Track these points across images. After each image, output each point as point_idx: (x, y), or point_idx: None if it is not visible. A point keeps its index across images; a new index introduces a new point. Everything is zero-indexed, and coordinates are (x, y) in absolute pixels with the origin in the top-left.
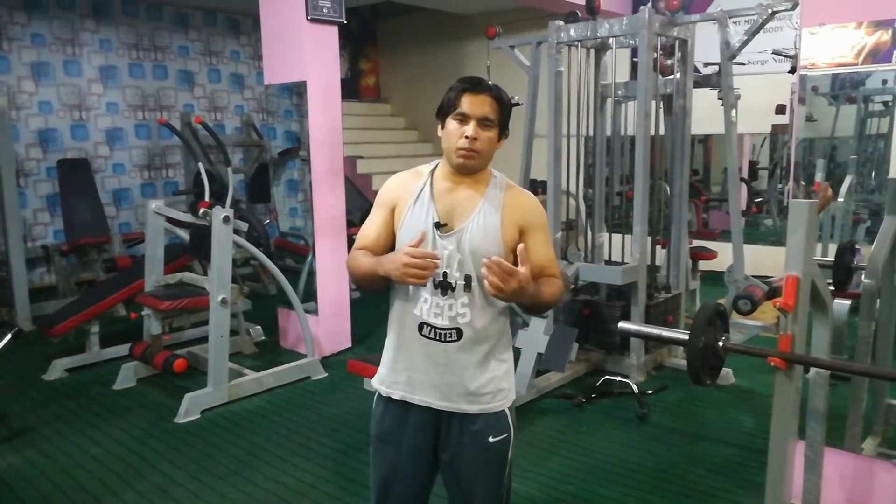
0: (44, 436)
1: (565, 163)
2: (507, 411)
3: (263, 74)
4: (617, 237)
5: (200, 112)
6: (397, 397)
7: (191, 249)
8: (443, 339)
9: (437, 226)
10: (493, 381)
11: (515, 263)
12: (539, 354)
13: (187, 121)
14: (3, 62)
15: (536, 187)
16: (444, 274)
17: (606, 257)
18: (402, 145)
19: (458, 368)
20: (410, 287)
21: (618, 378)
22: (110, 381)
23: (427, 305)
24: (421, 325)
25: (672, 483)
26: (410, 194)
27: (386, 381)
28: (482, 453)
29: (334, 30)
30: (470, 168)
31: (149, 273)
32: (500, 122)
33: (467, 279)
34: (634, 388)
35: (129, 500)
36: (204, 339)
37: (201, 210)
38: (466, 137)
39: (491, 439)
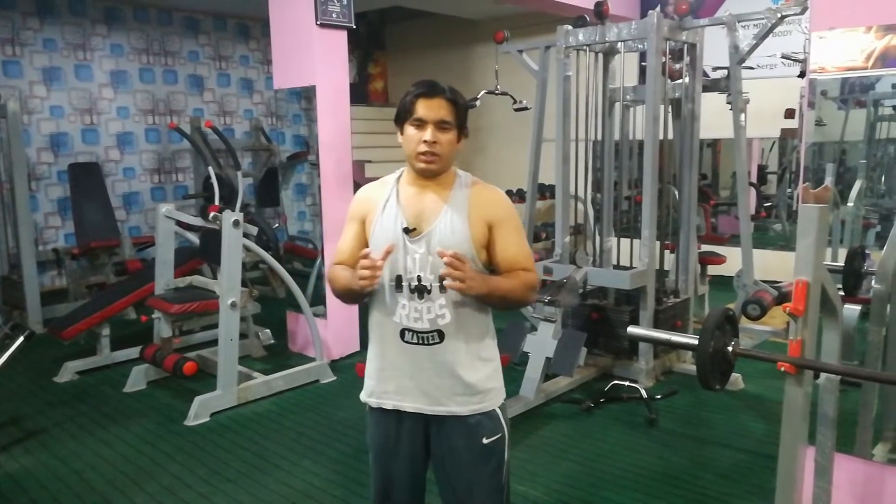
0: (55, 438)
1: (573, 167)
2: (499, 411)
3: (273, 79)
4: (625, 242)
5: (210, 116)
6: (389, 407)
7: (201, 253)
8: (426, 343)
9: (406, 231)
10: (481, 381)
11: (489, 260)
12: (547, 359)
13: (197, 125)
14: (15, 67)
15: (544, 192)
16: (419, 277)
17: (615, 262)
18: None
19: (445, 370)
20: (387, 296)
21: (626, 383)
22: (121, 384)
23: (406, 311)
24: (403, 332)
25: (681, 488)
26: (378, 204)
27: (376, 391)
28: (477, 455)
29: (343, 34)
30: (432, 172)
31: (159, 276)
32: (458, 123)
33: (441, 280)
34: (643, 392)
35: (139, 502)
36: (214, 343)
37: (211, 214)
38: (425, 142)
39: (485, 440)
